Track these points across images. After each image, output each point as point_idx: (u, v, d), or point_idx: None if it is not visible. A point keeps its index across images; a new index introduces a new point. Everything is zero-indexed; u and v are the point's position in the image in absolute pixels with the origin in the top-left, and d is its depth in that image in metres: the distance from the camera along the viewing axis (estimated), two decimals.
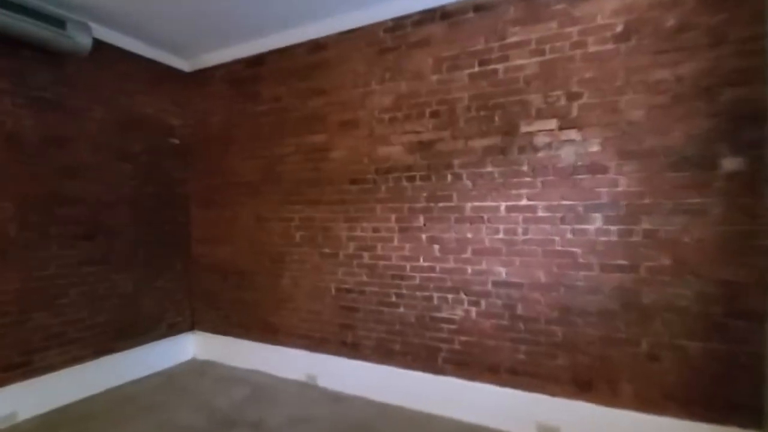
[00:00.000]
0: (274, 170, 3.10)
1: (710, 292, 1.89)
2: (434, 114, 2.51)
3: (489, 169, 2.36)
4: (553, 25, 2.19)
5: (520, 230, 2.28)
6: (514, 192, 2.30)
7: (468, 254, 2.41)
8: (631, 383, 2.03)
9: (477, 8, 2.37)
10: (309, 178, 2.94)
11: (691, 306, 1.92)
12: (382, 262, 2.67)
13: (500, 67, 2.33)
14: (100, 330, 2.91)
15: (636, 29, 2.01)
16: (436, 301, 2.50)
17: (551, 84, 2.20)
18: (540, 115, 2.23)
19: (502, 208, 2.32)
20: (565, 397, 2.16)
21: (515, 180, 2.29)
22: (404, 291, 2.60)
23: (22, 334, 2.50)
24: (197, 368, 3.24)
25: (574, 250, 2.15)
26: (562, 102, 2.17)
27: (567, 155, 2.17)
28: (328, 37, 2.85)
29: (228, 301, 3.34)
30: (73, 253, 2.78)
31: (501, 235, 2.33)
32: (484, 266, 2.37)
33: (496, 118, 2.33)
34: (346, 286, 2.79)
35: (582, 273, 2.13)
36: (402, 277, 2.60)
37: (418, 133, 2.56)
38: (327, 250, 2.86)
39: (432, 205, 2.52)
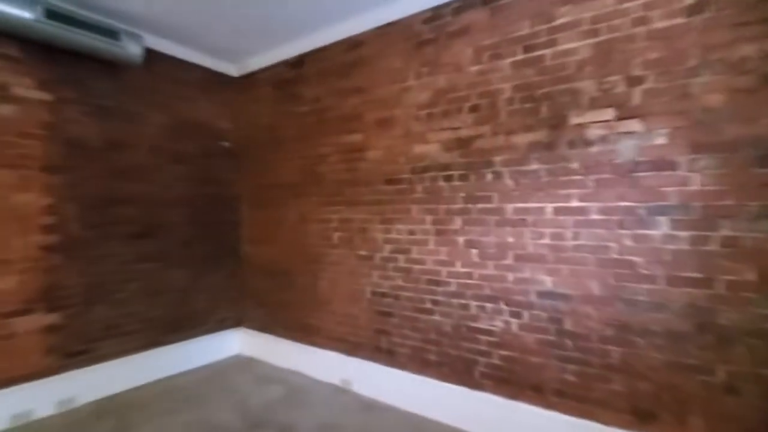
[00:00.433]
0: (314, 171, 3.08)
1: None
2: (473, 108, 2.32)
3: (533, 166, 2.13)
4: (610, 0, 1.91)
5: (569, 235, 2.02)
6: (562, 192, 2.05)
7: (509, 260, 2.20)
8: (703, 418, 1.71)
9: None
10: (346, 178, 2.88)
11: None
12: (417, 266, 2.53)
13: (547, 52, 2.09)
14: (154, 323, 3.08)
15: None
16: (473, 310, 2.31)
17: (607, 68, 1.92)
18: (594, 105, 1.96)
19: (549, 210, 2.08)
20: (620, 427, 1.87)
21: (564, 179, 2.04)
22: (440, 297, 2.44)
23: (83, 325, 2.71)
24: (241, 364, 3.33)
25: (634, 259, 1.86)
26: (621, 88, 1.89)
27: (626, 150, 1.88)
28: (365, 34, 2.77)
29: (273, 300, 3.39)
30: (130, 250, 2.97)
31: (547, 240, 2.09)
32: (527, 274, 2.14)
33: (543, 110, 2.10)
34: (382, 290, 2.69)
35: (644, 286, 1.83)
36: (437, 283, 2.45)
37: (455, 129, 2.39)
38: (363, 252, 2.78)
39: (470, 206, 2.33)
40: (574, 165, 2.01)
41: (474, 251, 2.32)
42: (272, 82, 3.38)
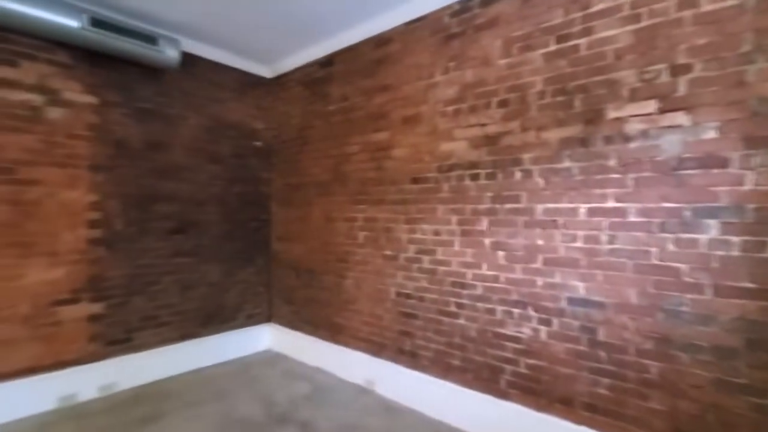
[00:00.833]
0: (341, 170, 3.08)
1: None
2: (502, 103, 2.22)
3: (566, 164, 1.99)
4: None
5: (604, 238, 1.88)
6: (597, 191, 1.90)
7: (538, 264, 2.08)
8: None
9: None
10: (372, 177, 2.85)
11: None
12: (441, 268, 2.46)
13: (582, 41, 1.95)
14: (189, 315, 3.21)
15: None
16: (499, 315, 2.21)
17: (649, 57, 1.76)
18: (634, 97, 1.80)
19: (582, 210, 1.94)
20: None
21: (599, 177, 1.90)
22: (465, 301, 2.35)
23: (124, 315, 2.86)
24: (269, 359, 3.39)
25: (677, 265, 1.69)
26: (664, 78, 1.73)
27: (670, 145, 1.72)
28: (392, 30, 2.73)
29: (301, 298, 3.43)
30: (167, 245, 3.11)
31: (579, 243, 1.95)
32: (557, 279, 2.01)
33: (576, 104, 1.96)
34: (406, 291, 2.64)
35: (689, 296, 1.66)
36: (462, 285, 2.36)
37: (483, 125, 2.29)
38: (388, 252, 2.74)
39: (497, 206, 2.23)
40: (611, 162, 1.86)
41: (501, 253, 2.21)
42: (303, 82, 3.42)
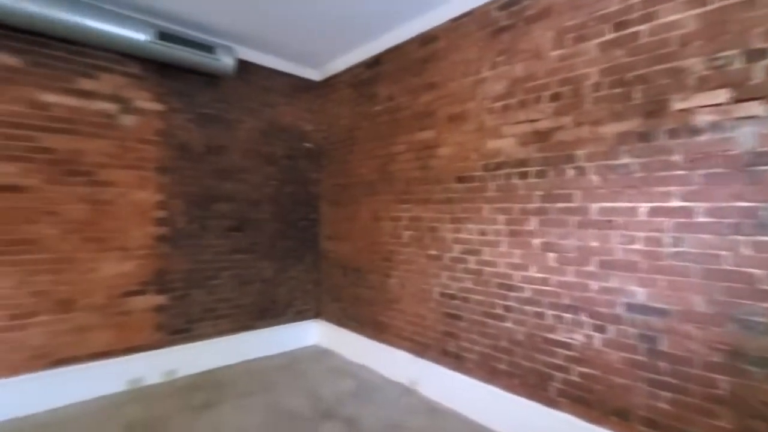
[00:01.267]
0: (387, 169, 3.10)
1: None
2: (554, 97, 2.12)
3: (624, 160, 1.87)
4: None
5: (667, 240, 1.73)
6: (659, 189, 1.76)
7: (592, 267, 1.96)
8: None
9: None
10: (417, 176, 2.84)
11: None
12: (487, 269, 2.39)
13: (643, 28, 1.81)
14: (243, 309, 3.38)
15: None
16: (549, 320, 2.11)
17: (720, 42, 1.60)
18: (702, 86, 1.65)
19: (642, 210, 1.81)
20: None
21: (662, 174, 1.75)
22: (512, 303, 2.27)
23: (185, 307, 3.07)
24: (316, 355, 3.49)
25: (752, 271, 1.52)
26: (738, 65, 1.56)
27: (744, 138, 1.55)
28: (439, 27, 2.71)
29: (347, 296, 3.50)
30: (225, 242, 3.29)
31: (639, 246, 1.81)
32: (613, 283, 1.89)
33: (636, 95, 1.83)
34: (450, 292, 2.60)
35: (764, 305, 1.49)
36: (510, 288, 2.28)
37: (533, 121, 2.20)
38: (433, 252, 2.72)
39: (547, 205, 2.13)
40: (676, 158, 1.72)
41: (551, 255, 2.11)
42: (350, 84, 3.48)
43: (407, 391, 2.76)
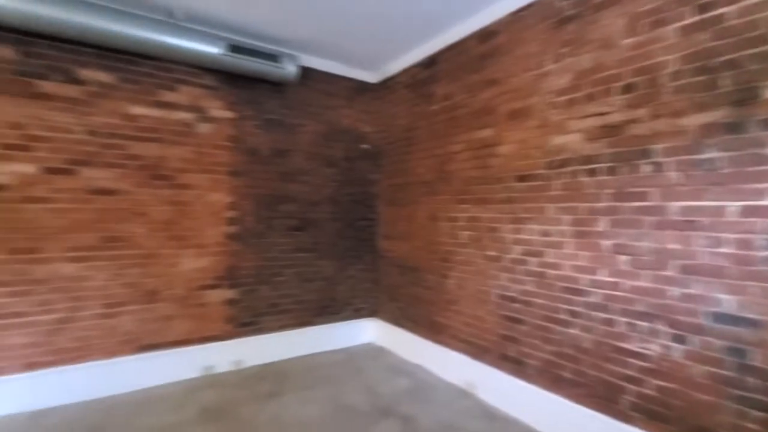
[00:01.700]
0: (444, 169, 3.08)
1: None
2: (627, 88, 1.97)
3: (708, 155, 1.69)
4: None
5: (761, 243, 1.54)
6: (751, 186, 1.58)
7: (671, 271, 1.80)
8: None
9: None
10: (476, 176, 2.79)
11: None
12: (551, 271, 2.28)
13: (730, 9, 1.63)
14: (305, 305, 3.53)
15: None
16: (621, 327, 1.96)
17: None
18: None
19: (731, 210, 1.63)
20: None
21: (754, 169, 1.57)
22: (578, 308, 2.14)
23: (253, 301, 3.27)
24: (372, 352, 3.55)
25: None
26: None
27: None
28: (499, 22, 2.63)
29: (404, 295, 3.52)
30: (289, 241, 3.46)
31: (727, 249, 1.63)
32: (696, 290, 1.72)
33: (722, 83, 1.65)
34: (510, 294, 2.52)
35: None
36: (576, 292, 2.16)
37: (603, 114, 2.07)
38: (491, 253, 2.65)
39: (618, 204, 1.99)
40: None
41: (623, 258, 1.97)
42: (407, 85, 3.50)
43: (464, 394, 2.72)
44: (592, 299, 2.08)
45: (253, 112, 3.27)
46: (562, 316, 2.22)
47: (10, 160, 2.41)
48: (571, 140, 2.20)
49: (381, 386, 2.85)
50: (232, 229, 3.18)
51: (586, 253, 2.12)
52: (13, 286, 2.43)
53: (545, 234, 2.32)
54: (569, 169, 2.21)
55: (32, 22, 2.29)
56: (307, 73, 3.45)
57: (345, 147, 3.76)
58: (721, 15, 1.65)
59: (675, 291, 1.78)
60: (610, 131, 2.03)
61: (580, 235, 2.15)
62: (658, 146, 1.85)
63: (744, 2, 1.59)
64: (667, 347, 1.80)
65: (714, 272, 1.67)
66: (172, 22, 2.68)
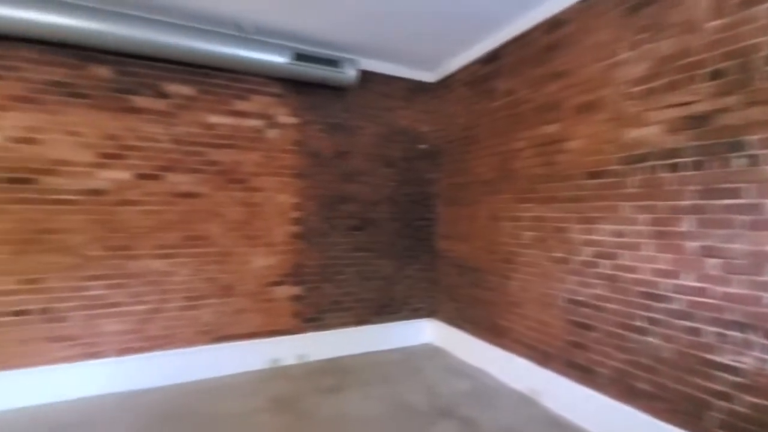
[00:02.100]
0: (506, 167, 2.99)
1: None
2: (714, 75, 1.79)
3: None
4: None
5: None
6: None
7: None
8: None
9: None
10: (541, 173, 2.67)
11: None
12: (625, 274, 2.13)
13: None
14: (365, 304, 3.60)
15: None
16: (707, 337, 1.78)
17: None
18: None
19: None
20: None
21: None
22: (657, 315, 1.98)
23: (316, 298, 3.41)
24: (430, 353, 3.53)
25: None
26: None
27: None
28: (567, 10, 2.50)
29: (464, 296, 3.47)
30: (350, 240, 3.56)
31: None
32: None
33: None
34: (579, 298, 2.38)
35: None
36: (654, 297, 1.99)
37: (687, 104, 1.89)
38: (558, 254, 2.53)
39: (705, 202, 1.81)
40: None
41: (711, 261, 1.78)
42: (466, 82, 3.44)
43: (527, 400, 2.62)
44: (674, 306, 1.91)
45: (316, 116, 3.40)
46: (639, 323, 2.06)
47: (108, 168, 2.73)
48: (650, 133, 2.04)
49: (440, 387, 2.83)
50: (297, 228, 3.33)
51: (668, 256, 1.95)
52: (111, 279, 2.75)
53: (619, 234, 2.16)
54: (647, 164, 2.04)
55: (126, 44, 2.57)
56: (366, 76, 3.52)
57: (403, 147, 3.78)
58: None
59: None
60: (696, 122, 1.85)
61: (659, 235, 1.98)
62: (754, 137, 1.66)
63: None
64: (762, 360, 1.60)
65: None
66: (242, 35, 2.88)
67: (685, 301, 1.87)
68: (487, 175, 3.19)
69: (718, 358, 1.75)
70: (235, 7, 2.64)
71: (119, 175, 2.76)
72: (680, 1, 1.92)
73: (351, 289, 3.55)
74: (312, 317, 3.39)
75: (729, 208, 1.73)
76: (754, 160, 1.66)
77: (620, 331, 2.15)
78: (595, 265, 2.29)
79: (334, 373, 3.07)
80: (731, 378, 1.70)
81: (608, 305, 2.21)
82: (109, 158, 2.73)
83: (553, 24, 2.60)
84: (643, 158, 2.06)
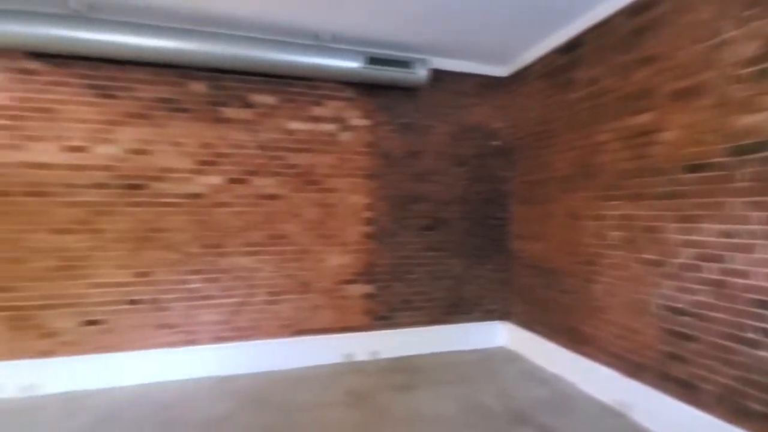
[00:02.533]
0: (588, 162, 2.80)
1: None
2: None
3: None
4: None
5: None
6: None
7: None
8: None
9: None
10: (629, 168, 2.46)
11: None
12: (736, 280, 1.88)
13: None
14: (435, 304, 3.59)
15: None
16: None
17: None
18: None
19: None
20: None
21: None
22: None
23: (387, 297, 3.47)
24: (505, 357, 3.42)
25: None
26: None
27: None
28: None
29: (539, 299, 3.31)
30: (420, 240, 3.57)
31: None
32: None
33: None
34: (677, 305, 2.15)
35: None
36: None
37: None
38: (650, 256, 2.31)
39: None
40: None
41: None
42: (542, 74, 3.28)
43: (613, 413, 2.43)
44: None
45: (387, 117, 3.47)
46: (751, 335, 1.81)
47: (205, 174, 3.03)
48: (764, 119, 1.79)
49: (516, 391, 2.73)
50: (369, 228, 3.42)
51: None
52: (206, 274, 3.05)
53: (727, 235, 1.92)
54: (761, 155, 1.79)
55: (218, 61, 2.84)
56: (436, 75, 3.50)
57: (475, 145, 3.71)
58: None
59: None
60: None
61: None
62: None
63: None
64: None
65: None
66: (319, 44, 3.03)
67: None
68: (566, 171, 3.02)
69: None
70: (312, 18, 2.78)
71: (213, 179, 3.05)
72: None
73: (422, 289, 3.56)
74: (383, 315, 3.45)
75: None
76: None
77: (728, 343, 1.91)
78: (697, 268, 2.05)
79: (406, 372, 3.11)
80: None
81: (713, 314, 1.97)
82: (205, 165, 3.03)
83: (642, 5, 2.38)
84: (755, 148, 1.82)
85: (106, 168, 2.85)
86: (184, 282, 3.00)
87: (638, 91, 2.41)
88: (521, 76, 3.56)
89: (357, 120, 3.38)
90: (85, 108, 2.81)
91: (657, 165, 2.28)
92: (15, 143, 2.70)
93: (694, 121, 2.09)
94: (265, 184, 3.15)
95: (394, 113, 3.47)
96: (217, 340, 3.07)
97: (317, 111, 3.27)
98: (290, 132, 3.21)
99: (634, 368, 2.41)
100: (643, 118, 2.38)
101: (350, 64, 3.03)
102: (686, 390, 2.10)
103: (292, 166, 3.21)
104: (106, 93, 2.85)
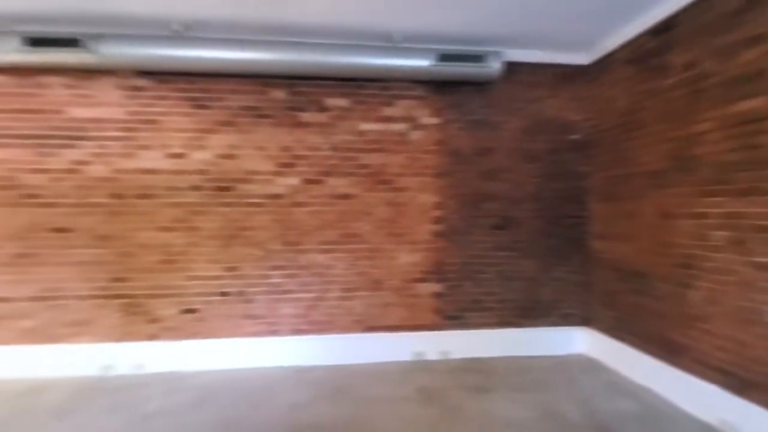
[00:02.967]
0: (684, 155, 2.54)
1: None
2: None
3: None
4: None
5: None
6: None
7: None
8: None
9: None
10: (735, 160, 2.20)
11: None
12: None
13: None
14: (507, 305, 3.49)
15: None
16: None
17: None
18: None
19: None
20: None
21: None
22: None
23: (457, 296, 3.44)
24: (586, 365, 3.22)
25: None
26: None
27: None
28: None
29: (624, 304, 3.07)
30: (491, 239, 3.49)
31: None
32: None
33: None
34: None
35: None
36: None
37: None
38: (762, 260, 2.04)
39: None
40: None
41: None
42: (629, 60, 3.03)
43: None
44: None
45: (457, 114, 3.43)
46: None
47: (284, 176, 3.23)
48: None
49: (599, 403, 2.57)
50: (439, 227, 3.41)
51: None
52: (287, 269, 3.25)
53: None
54: None
55: (296, 68, 3.02)
56: (510, 67, 3.37)
57: (549, 139, 3.53)
58: None
59: None
60: None
61: None
62: None
63: None
64: None
65: None
66: (390, 45, 3.08)
67: None
68: (656, 165, 2.77)
69: None
70: (386, 20, 2.83)
71: (292, 181, 3.24)
72: None
73: (493, 289, 3.48)
74: (453, 315, 3.43)
75: None
76: None
77: None
78: None
79: (479, 373, 3.06)
80: None
81: None
82: (285, 167, 3.23)
83: None
84: None
85: (200, 172, 3.16)
86: (267, 277, 3.22)
87: (745, 74, 2.15)
88: (604, 63, 3.32)
89: (427, 118, 3.39)
90: (183, 118, 3.14)
91: None
92: (129, 152, 3.10)
93: None
94: (338, 184, 3.28)
95: (464, 110, 3.43)
96: (295, 332, 3.26)
97: (388, 111, 3.33)
98: (362, 133, 3.31)
99: (740, 384, 2.15)
100: (751, 104, 2.11)
101: (421, 63, 3.05)
102: None
103: (364, 167, 3.31)
104: (200, 104, 3.15)
